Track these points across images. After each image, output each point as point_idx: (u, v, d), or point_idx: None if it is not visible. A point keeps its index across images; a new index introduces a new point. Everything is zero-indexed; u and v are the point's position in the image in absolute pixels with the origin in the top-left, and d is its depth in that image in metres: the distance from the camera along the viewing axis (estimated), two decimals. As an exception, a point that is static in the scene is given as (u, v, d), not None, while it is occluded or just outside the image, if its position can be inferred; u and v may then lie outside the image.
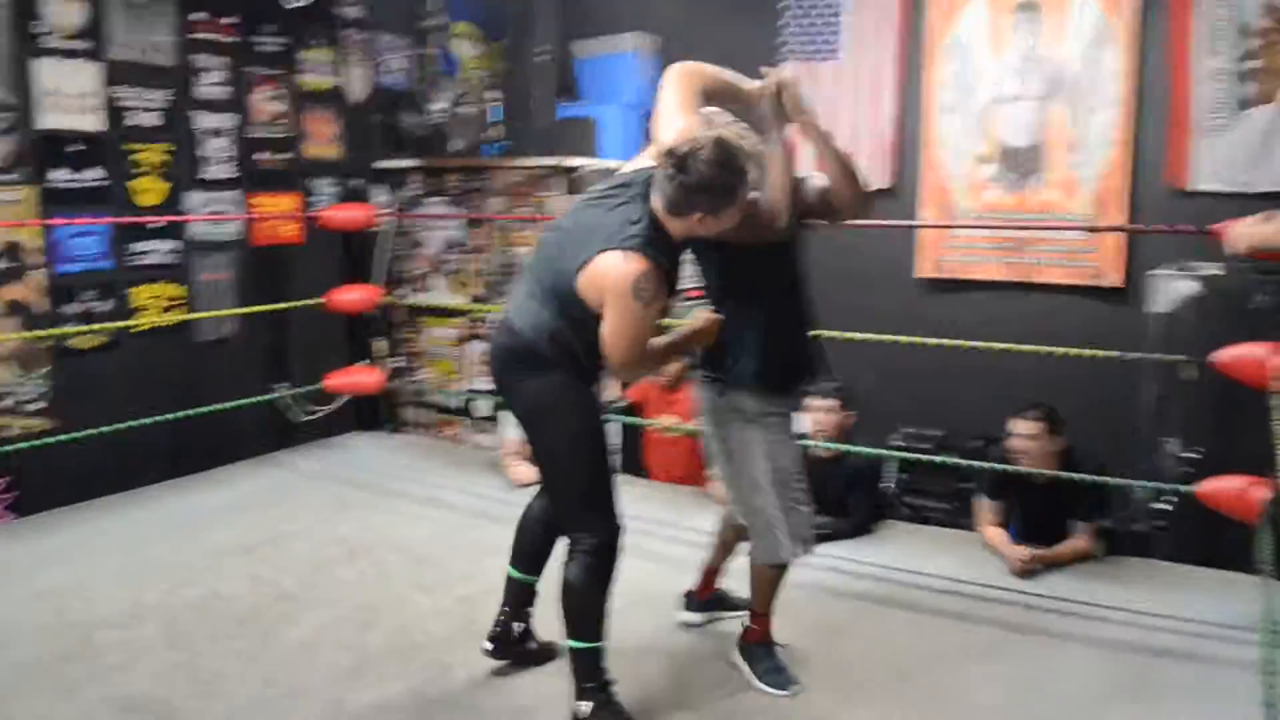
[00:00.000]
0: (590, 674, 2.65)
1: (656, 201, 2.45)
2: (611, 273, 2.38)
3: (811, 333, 2.92)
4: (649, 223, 2.44)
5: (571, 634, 2.67)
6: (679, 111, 2.56)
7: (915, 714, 2.84)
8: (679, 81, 2.66)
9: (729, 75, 2.74)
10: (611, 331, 2.42)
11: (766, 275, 2.77)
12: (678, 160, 2.34)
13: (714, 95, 2.66)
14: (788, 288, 2.83)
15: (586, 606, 2.65)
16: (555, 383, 2.61)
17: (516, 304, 2.68)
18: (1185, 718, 2.84)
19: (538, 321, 2.58)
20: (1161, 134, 4.82)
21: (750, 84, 2.71)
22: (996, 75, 5.14)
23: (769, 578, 2.95)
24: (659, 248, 2.44)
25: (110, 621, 3.36)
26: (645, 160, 2.57)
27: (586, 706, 2.63)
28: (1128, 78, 4.83)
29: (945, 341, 4.19)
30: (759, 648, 3.02)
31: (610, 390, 5.32)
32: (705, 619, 3.36)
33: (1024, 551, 3.80)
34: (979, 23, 5.16)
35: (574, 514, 2.69)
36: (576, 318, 2.51)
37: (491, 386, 2.83)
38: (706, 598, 3.36)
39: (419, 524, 4.39)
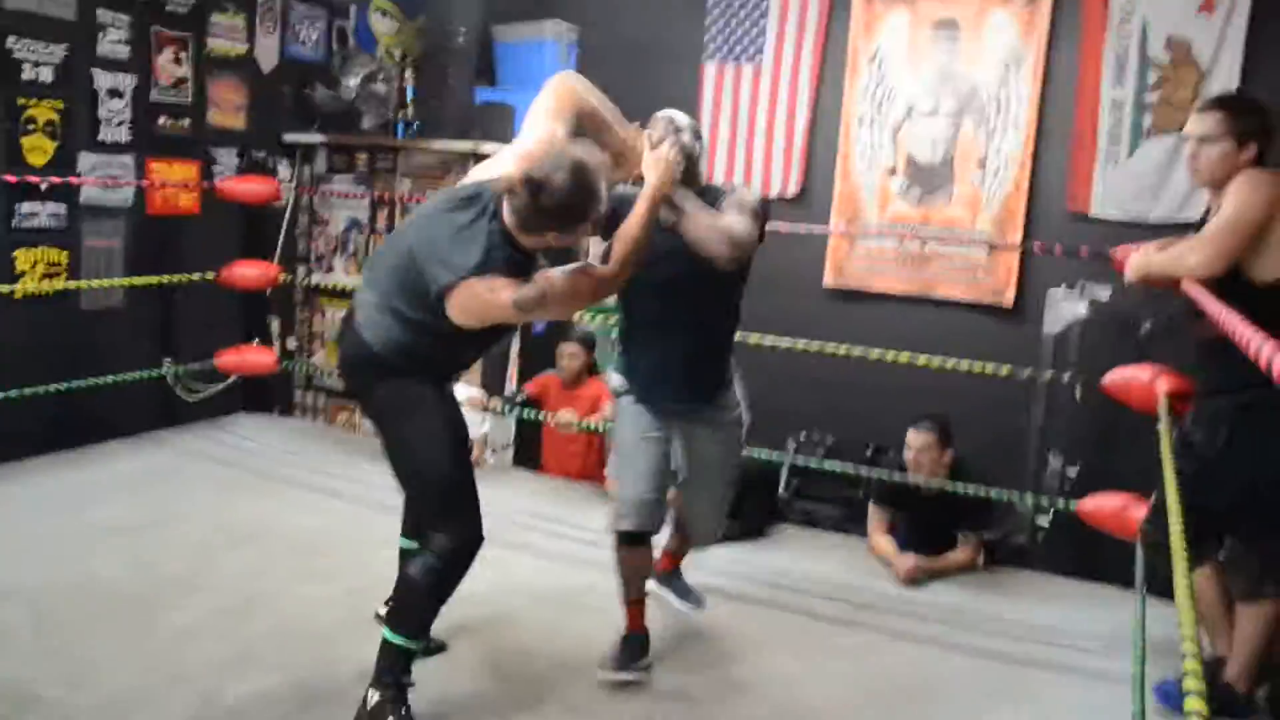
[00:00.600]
0: (394, 669, 2.59)
1: (510, 219, 2.44)
2: (482, 300, 2.41)
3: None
4: (502, 239, 2.44)
5: (392, 625, 2.61)
6: (546, 119, 2.60)
7: (793, 714, 2.88)
8: (558, 92, 2.67)
9: (608, 111, 2.75)
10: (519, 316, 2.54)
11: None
12: (533, 186, 2.35)
13: (587, 122, 2.67)
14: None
15: (418, 607, 2.62)
16: (408, 385, 2.60)
17: (366, 314, 2.61)
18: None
19: (389, 336, 2.55)
20: (1064, 159, 4.97)
21: (626, 130, 2.76)
22: (912, 90, 5.24)
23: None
24: (517, 260, 2.45)
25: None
26: (498, 165, 2.55)
27: (376, 695, 2.57)
28: (1035, 101, 4.98)
29: (843, 348, 4.26)
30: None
31: (510, 385, 5.29)
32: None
33: (910, 560, 3.89)
34: (899, 37, 5.25)
35: (431, 514, 2.65)
36: (438, 329, 2.51)
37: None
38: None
39: (308, 512, 4.28)
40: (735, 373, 3.14)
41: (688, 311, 2.90)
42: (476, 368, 4.90)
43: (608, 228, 2.67)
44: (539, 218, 2.40)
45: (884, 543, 4.08)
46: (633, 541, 2.96)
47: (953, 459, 4.02)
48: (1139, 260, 3.01)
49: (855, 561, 4.10)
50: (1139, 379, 3.39)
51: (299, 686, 2.85)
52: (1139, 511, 3.31)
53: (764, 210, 2.88)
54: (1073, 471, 4.63)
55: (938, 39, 5.19)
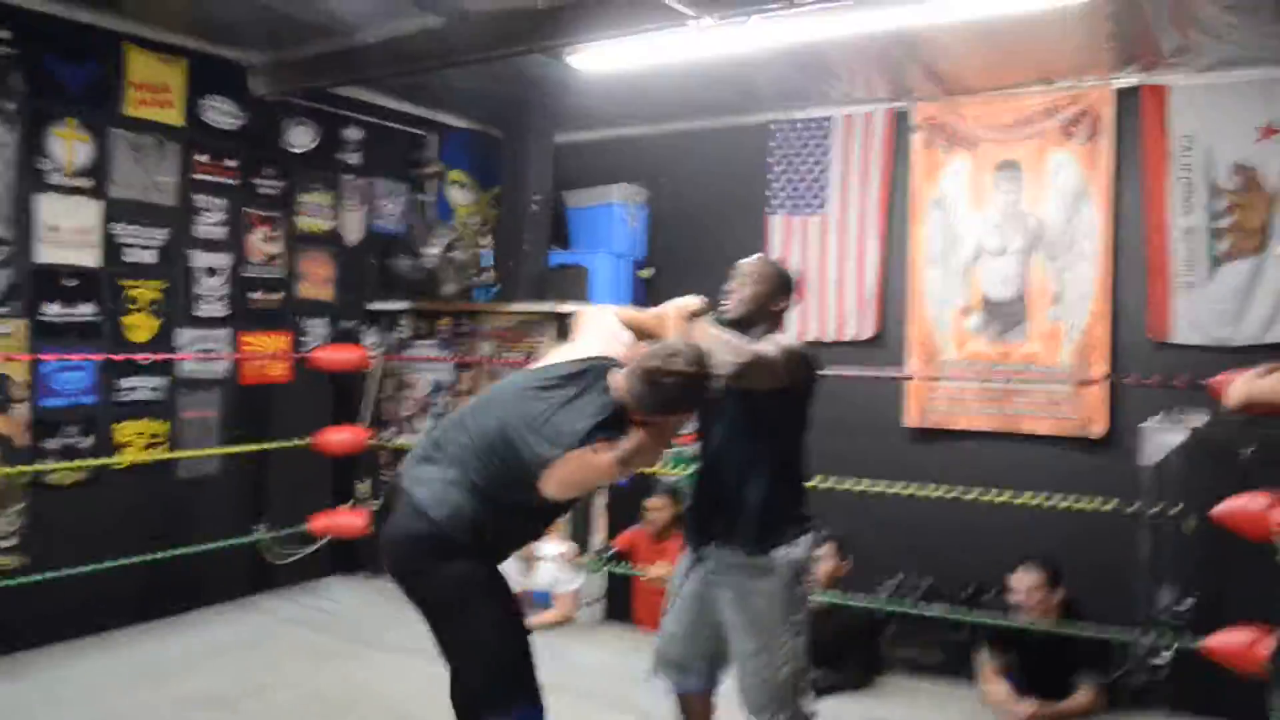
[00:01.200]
0: None
1: (626, 397, 2.53)
2: (588, 466, 2.48)
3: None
4: (613, 412, 2.53)
5: None
6: (609, 322, 2.87)
7: None
8: (603, 314, 2.98)
9: (632, 311, 3.01)
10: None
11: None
12: (656, 374, 2.48)
13: (634, 329, 2.84)
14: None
15: None
16: (469, 570, 2.58)
17: (431, 491, 2.59)
18: None
19: (457, 510, 2.54)
20: (1140, 288, 4.96)
21: (649, 314, 2.93)
22: (979, 230, 5.32)
23: None
24: (620, 427, 2.53)
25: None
26: (584, 349, 2.72)
27: None
28: (1105, 233, 5.01)
29: (933, 489, 4.19)
30: None
31: (598, 538, 5.27)
32: None
33: (1028, 707, 3.72)
34: (960, 181, 5.36)
35: (499, 697, 2.59)
36: (521, 503, 2.56)
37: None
38: None
39: (402, 677, 4.24)
40: (795, 528, 2.88)
41: (719, 445, 2.90)
42: (564, 522, 4.90)
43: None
44: (660, 400, 2.49)
45: (999, 689, 3.91)
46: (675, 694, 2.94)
47: (1064, 598, 3.89)
48: (1241, 387, 2.95)
49: (970, 712, 3.92)
50: (1251, 507, 3.29)
51: None
52: (1265, 645, 3.16)
53: (799, 353, 2.82)
54: (1185, 605, 4.44)
55: (1000, 180, 5.29)
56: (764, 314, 2.90)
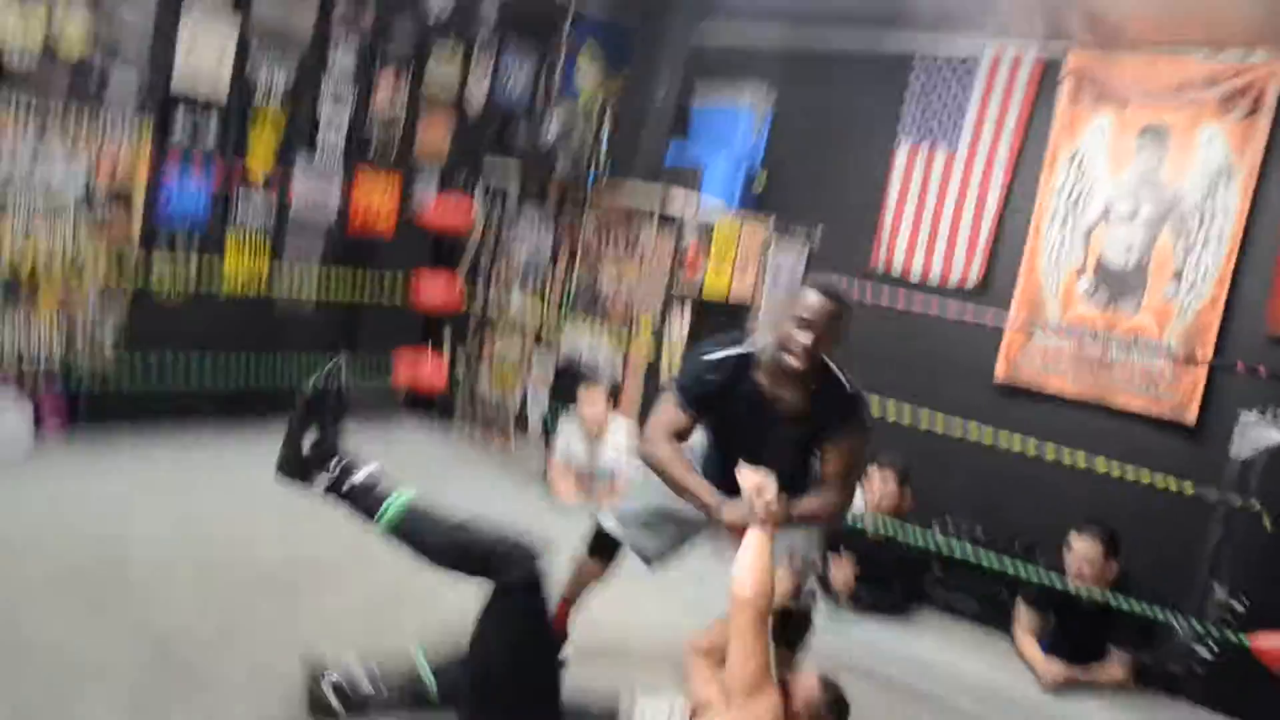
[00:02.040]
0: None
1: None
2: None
3: None
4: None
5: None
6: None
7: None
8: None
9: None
10: None
11: None
12: None
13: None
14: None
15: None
16: None
17: None
18: None
19: None
20: (1265, 280, 4.75)
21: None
22: (1111, 193, 5.12)
23: None
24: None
25: (147, 550, 3.41)
26: None
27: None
28: (1242, 218, 4.78)
29: (1015, 440, 4.13)
30: None
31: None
32: None
33: (1058, 668, 3.72)
34: (1102, 139, 5.15)
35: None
36: None
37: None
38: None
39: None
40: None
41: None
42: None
43: (705, 397, 2.78)
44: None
45: (1032, 646, 3.91)
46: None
47: (1117, 571, 3.84)
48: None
49: (1000, 660, 3.94)
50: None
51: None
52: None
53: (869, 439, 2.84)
54: (1239, 605, 4.34)
55: (1144, 145, 5.06)
56: (826, 358, 2.74)
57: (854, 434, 2.72)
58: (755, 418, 2.74)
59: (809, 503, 2.70)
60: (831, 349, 2.68)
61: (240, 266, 5.02)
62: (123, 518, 3.63)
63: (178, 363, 4.61)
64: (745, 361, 2.74)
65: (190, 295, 4.85)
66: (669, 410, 2.80)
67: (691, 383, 2.79)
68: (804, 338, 2.59)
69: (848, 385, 2.73)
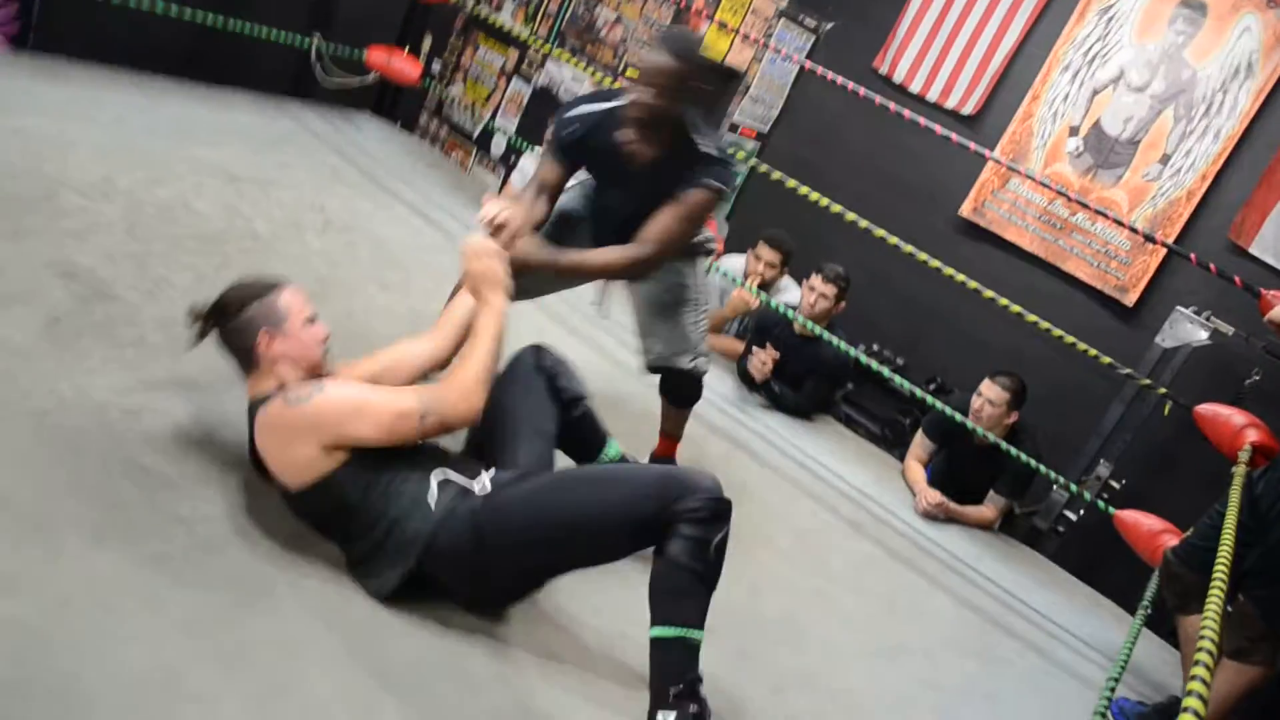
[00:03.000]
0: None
1: None
2: None
3: None
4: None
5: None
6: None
7: (780, 586, 2.97)
8: None
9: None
10: None
11: None
12: None
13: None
14: None
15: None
16: None
17: None
18: (1012, 689, 3.02)
19: None
20: (1247, 188, 4.74)
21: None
22: (1130, 58, 4.97)
23: None
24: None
25: (77, 189, 3.29)
26: None
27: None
28: (1247, 119, 4.71)
29: (961, 277, 4.17)
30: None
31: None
32: None
33: (936, 495, 3.93)
34: (1138, 1, 4.94)
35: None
36: None
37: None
38: None
39: (400, 224, 4.36)
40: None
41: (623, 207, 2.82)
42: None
43: (567, 148, 2.73)
44: None
45: (918, 471, 4.12)
46: None
47: (1015, 420, 4.00)
48: (1293, 307, 2.92)
49: (885, 476, 4.16)
50: (1231, 420, 3.33)
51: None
52: (1171, 540, 3.31)
53: (715, 199, 2.69)
54: (1116, 484, 4.60)
55: (1178, 18, 4.88)
56: (678, 113, 2.60)
57: (688, 193, 2.62)
58: (613, 170, 2.74)
59: (572, 254, 2.66)
60: (680, 106, 2.59)
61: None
62: (60, 151, 3.49)
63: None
64: (611, 115, 2.69)
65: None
66: (544, 160, 2.82)
67: (560, 132, 2.77)
68: (643, 94, 2.55)
69: (703, 146, 2.66)
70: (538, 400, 2.49)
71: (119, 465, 2.12)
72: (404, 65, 5.31)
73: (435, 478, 2.13)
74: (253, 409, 2.15)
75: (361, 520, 2.09)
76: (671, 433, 3.15)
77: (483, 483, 2.16)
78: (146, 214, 3.34)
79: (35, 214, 3.02)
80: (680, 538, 2.01)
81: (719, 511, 2.05)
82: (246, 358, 2.18)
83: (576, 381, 2.59)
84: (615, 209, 2.80)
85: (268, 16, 4.86)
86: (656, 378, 3.06)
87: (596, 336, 4.03)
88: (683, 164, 2.64)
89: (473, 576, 2.11)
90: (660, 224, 2.65)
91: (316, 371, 2.21)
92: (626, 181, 2.74)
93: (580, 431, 2.57)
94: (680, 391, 3.05)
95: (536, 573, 2.17)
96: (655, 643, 2.01)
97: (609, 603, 2.37)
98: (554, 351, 2.60)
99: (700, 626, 2.01)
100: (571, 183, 2.91)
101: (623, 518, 2.05)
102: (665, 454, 3.16)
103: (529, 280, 2.61)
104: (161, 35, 4.56)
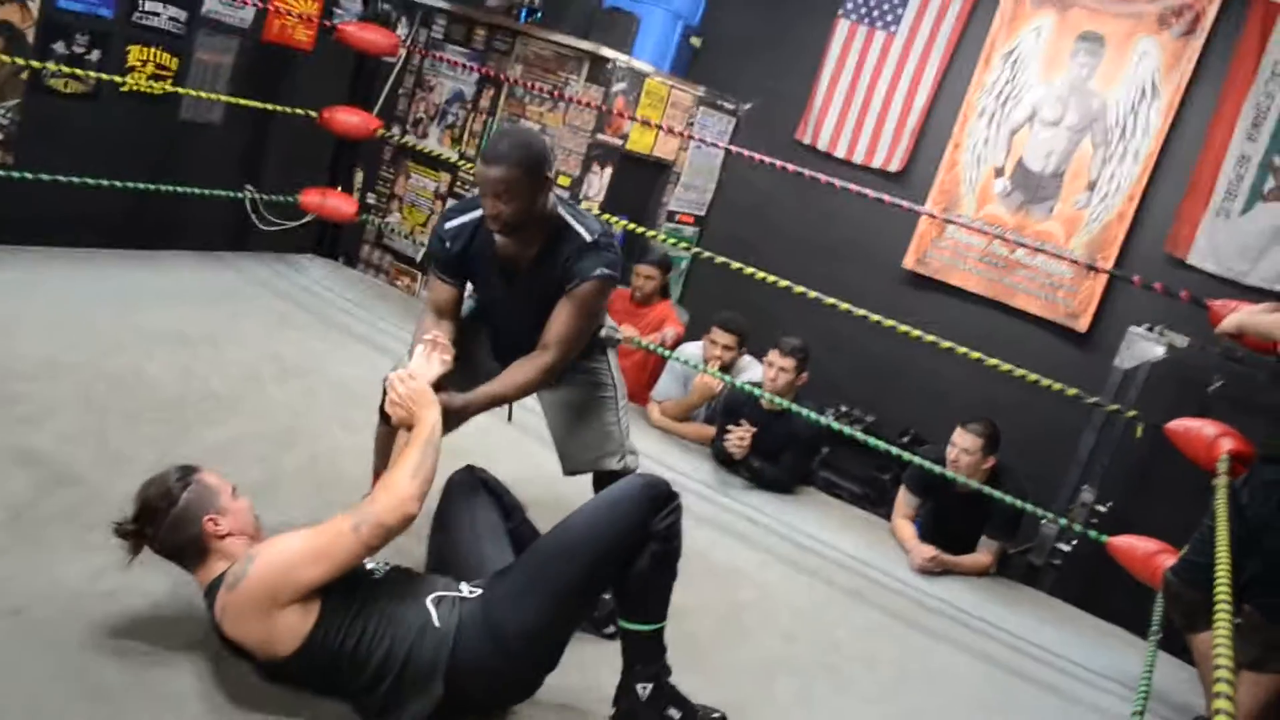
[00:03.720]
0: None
1: None
2: None
3: None
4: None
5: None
6: None
7: (789, 668, 2.92)
8: None
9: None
10: None
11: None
12: None
13: None
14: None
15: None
16: None
17: None
18: (1036, 744, 2.98)
19: None
20: (1173, 201, 4.88)
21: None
22: (1040, 96, 5.14)
23: None
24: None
25: (25, 373, 3.25)
26: None
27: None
28: (1161, 136, 4.87)
29: (915, 332, 4.21)
30: None
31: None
32: None
33: (928, 550, 3.91)
34: (1039, 40, 5.14)
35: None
36: None
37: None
38: None
39: (357, 362, 4.34)
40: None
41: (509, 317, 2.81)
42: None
43: (448, 265, 2.72)
44: None
45: (907, 528, 4.10)
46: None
47: (993, 465, 4.01)
48: (1239, 316, 2.98)
49: (876, 539, 4.12)
50: (1204, 432, 3.35)
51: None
52: (1168, 560, 3.30)
53: (613, 285, 2.66)
54: (1102, 508, 4.62)
55: (1079, 51, 5.08)
56: (537, 211, 2.55)
57: (578, 288, 2.56)
58: (498, 278, 2.70)
59: (486, 387, 2.59)
60: (532, 203, 2.50)
61: (145, 66, 4.71)
62: (2, 337, 3.47)
63: (73, 167, 4.33)
64: (480, 223, 2.64)
65: (91, 91, 4.54)
66: (433, 283, 2.76)
67: (437, 253, 2.74)
68: (489, 207, 2.50)
69: (586, 233, 2.59)
70: (485, 511, 2.52)
71: (102, 651, 2.07)
72: (339, 203, 5.36)
73: (429, 600, 2.13)
74: (208, 599, 2.09)
75: (369, 667, 2.04)
76: None
77: (469, 588, 2.19)
78: (99, 389, 3.30)
79: (-13, 405, 2.98)
80: (650, 554, 2.21)
81: (678, 520, 2.26)
82: (193, 548, 2.11)
83: (510, 494, 2.63)
84: (511, 316, 2.74)
85: (199, 175, 4.91)
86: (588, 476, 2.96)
87: (517, 441, 4.00)
88: (564, 255, 2.57)
89: (500, 672, 2.12)
90: (558, 325, 2.59)
91: (257, 539, 2.18)
92: (514, 287, 2.68)
93: (523, 541, 2.51)
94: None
95: (558, 636, 2.20)
96: (632, 634, 2.28)
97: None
98: (482, 470, 2.63)
99: (666, 616, 2.30)
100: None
101: (612, 560, 2.20)
102: None
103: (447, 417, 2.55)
104: (96, 208, 4.58)
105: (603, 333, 2.87)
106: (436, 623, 2.08)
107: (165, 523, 2.09)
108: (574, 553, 2.18)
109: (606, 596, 2.44)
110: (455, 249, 2.70)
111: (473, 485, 2.56)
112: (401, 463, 2.17)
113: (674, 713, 2.29)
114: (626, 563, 2.21)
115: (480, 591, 2.17)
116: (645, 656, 2.29)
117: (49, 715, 1.85)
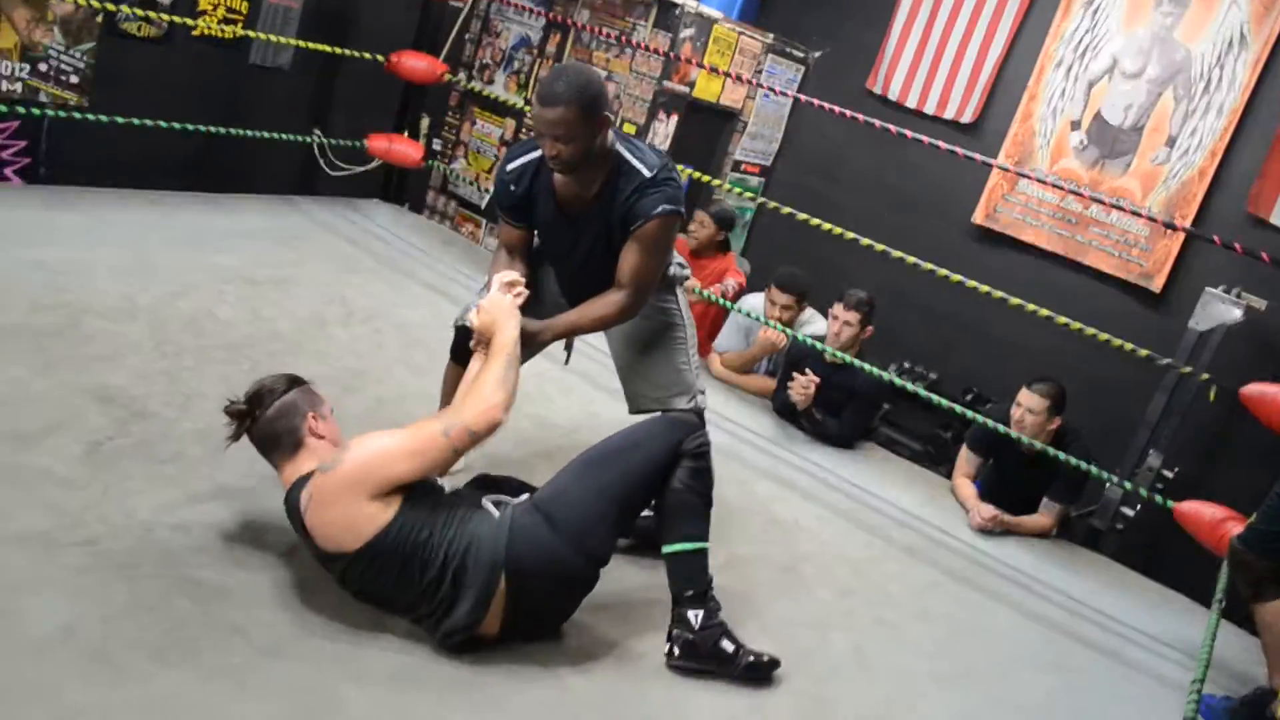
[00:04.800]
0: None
1: None
2: None
3: None
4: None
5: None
6: None
7: (844, 622, 2.93)
8: None
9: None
10: None
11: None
12: None
13: None
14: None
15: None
16: None
17: None
18: (1094, 700, 2.94)
19: None
20: (1258, 159, 4.70)
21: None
22: (1121, 46, 4.97)
23: None
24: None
25: (100, 311, 3.34)
26: None
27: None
28: (1248, 91, 4.69)
29: (983, 288, 4.13)
30: None
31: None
32: None
33: (989, 510, 3.86)
34: (1123, -12, 4.96)
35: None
36: None
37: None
38: None
39: (421, 306, 4.39)
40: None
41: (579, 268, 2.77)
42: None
43: (511, 210, 2.72)
44: None
45: (967, 487, 4.06)
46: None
47: (1059, 426, 3.94)
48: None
49: (936, 497, 4.09)
50: (1280, 399, 3.26)
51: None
52: (1235, 528, 3.23)
53: (679, 219, 2.62)
54: (1169, 473, 4.52)
55: (1163, 1, 4.88)
56: (595, 151, 2.52)
57: (644, 227, 2.53)
58: (558, 218, 2.68)
59: (564, 316, 2.65)
60: (590, 142, 2.48)
61: (215, 9, 4.75)
62: (79, 278, 3.55)
63: (145, 110, 4.39)
64: (540, 164, 2.63)
65: (163, 34, 4.60)
66: (501, 224, 2.78)
67: (501, 196, 2.74)
68: (548, 148, 2.48)
69: (645, 169, 2.56)
70: (505, 486, 2.52)
71: (172, 582, 2.13)
72: (405, 149, 5.38)
73: (487, 500, 2.30)
74: (293, 493, 2.18)
75: (434, 564, 2.13)
76: None
77: (518, 498, 2.35)
78: (172, 328, 3.38)
79: (63, 342, 3.06)
80: (685, 469, 2.38)
81: (706, 444, 2.44)
82: (291, 440, 2.23)
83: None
84: (575, 255, 2.72)
85: (267, 120, 4.96)
86: None
87: (573, 388, 4.01)
88: (625, 193, 2.55)
89: (555, 557, 2.21)
90: (630, 263, 2.58)
91: None
92: (576, 226, 2.66)
93: None
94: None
95: (604, 531, 2.30)
96: (675, 556, 2.39)
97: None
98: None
99: (707, 538, 2.42)
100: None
101: (649, 469, 2.36)
102: None
103: (526, 340, 2.58)
104: (167, 151, 4.66)
105: (671, 270, 2.83)
106: (496, 517, 2.23)
107: (273, 408, 2.23)
108: (613, 459, 2.36)
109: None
110: (519, 190, 2.69)
111: (480, 487, 2.52)
112: (485, 373, 2.28)
113: (727, 645, 2.37)
114: (663, 480, 2.37)
115: (528, 497, 2.35)
116: (691, 579, 2.40)
117: (120, 645, 1.91)
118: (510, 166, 2.72)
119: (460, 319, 2.73)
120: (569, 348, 3.05)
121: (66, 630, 1.90)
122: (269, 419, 2.23)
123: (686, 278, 2.94)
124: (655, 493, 2.40)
